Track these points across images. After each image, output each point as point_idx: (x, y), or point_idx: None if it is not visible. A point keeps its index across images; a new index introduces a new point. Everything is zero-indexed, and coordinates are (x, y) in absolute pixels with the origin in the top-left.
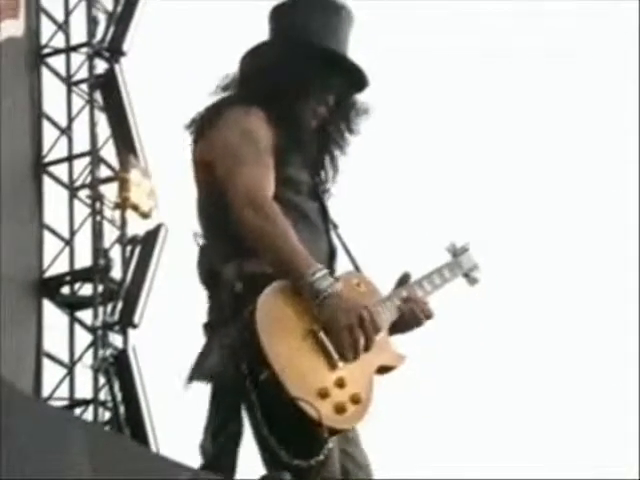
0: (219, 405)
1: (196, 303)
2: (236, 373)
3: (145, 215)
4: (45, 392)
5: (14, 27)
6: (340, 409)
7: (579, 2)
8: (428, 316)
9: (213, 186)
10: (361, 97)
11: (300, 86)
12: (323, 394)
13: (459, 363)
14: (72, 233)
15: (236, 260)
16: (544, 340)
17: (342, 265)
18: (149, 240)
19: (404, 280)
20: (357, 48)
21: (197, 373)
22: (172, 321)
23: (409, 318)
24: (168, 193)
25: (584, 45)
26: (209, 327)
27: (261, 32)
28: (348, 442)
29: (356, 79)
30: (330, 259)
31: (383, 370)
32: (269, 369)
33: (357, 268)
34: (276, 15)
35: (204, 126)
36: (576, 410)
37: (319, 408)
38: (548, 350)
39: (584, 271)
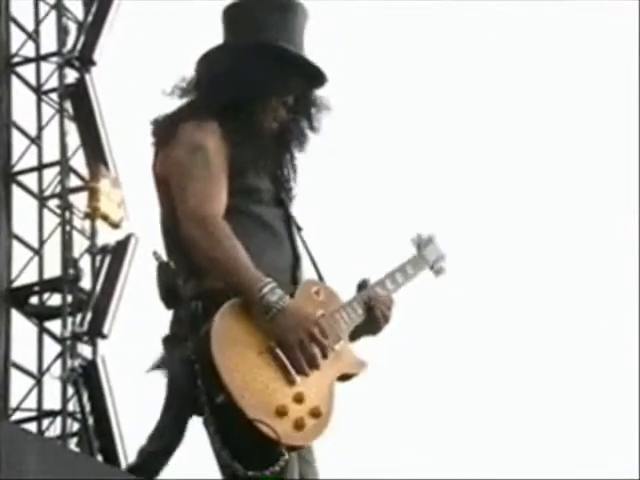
0: (169, 408)
1: (166, 313)
2: (190, 389)
3: (115, 225)
4: (13, 403)
5: None
6: (299, 425)
7: (579, 2)
8: (386, 319)
9: (170, 202)
10: (322, 93)
11: (257, 91)
12: (281, 412)
13: (459, 363)
14: (41, 243)
15: (194, 277)
16: (544, 339)
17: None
18: (119, 250)
19: (363, 286)
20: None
21: (159, 368)
22: (141, 331)
23: (373, 321)
24: (138, 203)
25: (584, 45)
26: (169, 340)
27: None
28: (300, 459)
29: (315, 76)
30: (294, 267)
31: (344, 378)
32: (225, 393)
33: (319, 274)
34: (228, 16)
35: (160, 142)
36: (576, 410)
37: (278, 426)
38: (548, 350)
39: (583, 268)
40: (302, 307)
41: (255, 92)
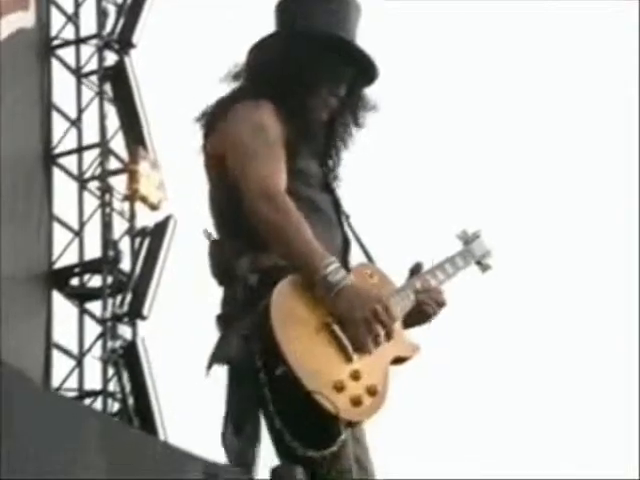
0: (238, 394)
1: (204, 295)
2: (250, 364)
3: (154, 207)
4: (54, 383)
5: (24, 19)
6: (356, 401)
7: (579, 2)
8: (441, 304)
9: (225, 179)
10: (370, 92)
11: (309, 78)
12: (339, 387)
13: (460, 362)
14: (81, 225)
15: (249, 254)
16: (545, 339)
17: (355, 257)
18: (158, 232)
19: (416, 270)
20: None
21: (215, 358)
22: (181, 313)
23: (425, 308)
24: (177, 185)
25: (584, 45)
26: (222, 319)
27: (271, 23)
28: (354, 442)
29: (366, 68)
30: (344, 251)
31: (398, 361)
32: (285, 364)
33: (370, 259)
34: (281, 7)
35: (215, 120)
36: (576, 410)
37: (336, 400)
38: (549, 349)
39: (586, 269)
40: (365, 285)
41: (305, 78)
